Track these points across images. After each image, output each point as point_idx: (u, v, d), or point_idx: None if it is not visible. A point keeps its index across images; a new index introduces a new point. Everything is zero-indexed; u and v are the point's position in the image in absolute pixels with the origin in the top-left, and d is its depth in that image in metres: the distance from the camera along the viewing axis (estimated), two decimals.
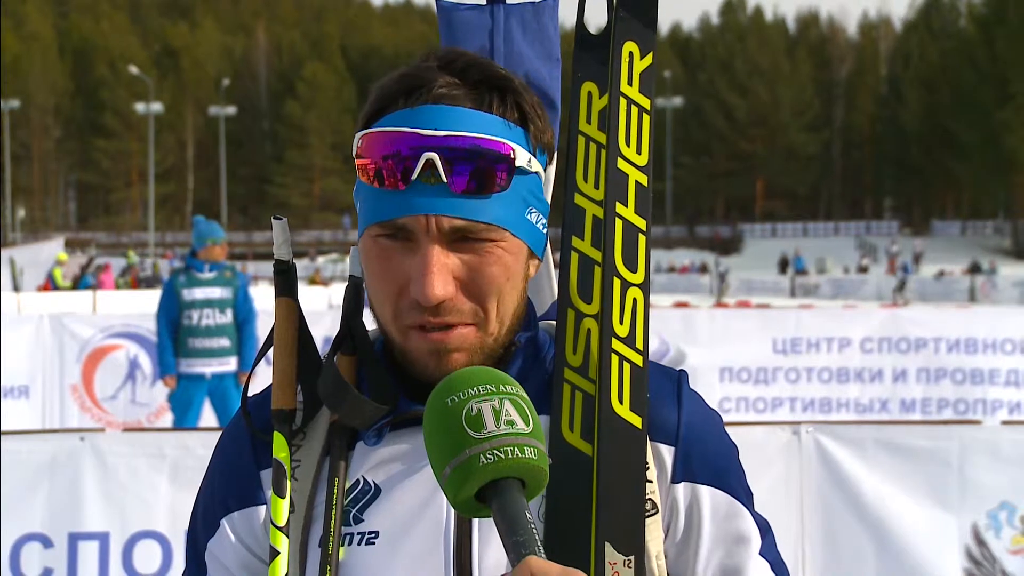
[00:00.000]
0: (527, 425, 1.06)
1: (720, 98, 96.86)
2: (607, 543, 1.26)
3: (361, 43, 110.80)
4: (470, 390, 1.07)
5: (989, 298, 39.65)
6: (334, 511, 1.28)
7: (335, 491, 1.29)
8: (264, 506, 1.35)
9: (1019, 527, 4.41)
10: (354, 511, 1.30)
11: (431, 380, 1.19)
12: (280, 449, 1.33)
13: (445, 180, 1.24)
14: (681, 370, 1.41)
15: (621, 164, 1.37)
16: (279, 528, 1.30)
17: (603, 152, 1.39)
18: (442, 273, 1.24)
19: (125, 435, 4.59)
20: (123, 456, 4.27)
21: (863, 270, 59.43)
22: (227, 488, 1.38)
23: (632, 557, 1.26)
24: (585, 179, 1.39)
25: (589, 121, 1.41)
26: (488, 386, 1.08)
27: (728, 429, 1.42)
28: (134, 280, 37.81)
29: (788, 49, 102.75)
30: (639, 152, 1.39)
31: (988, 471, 4.40)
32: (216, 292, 8.82)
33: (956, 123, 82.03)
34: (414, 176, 1.23)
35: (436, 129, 1.24)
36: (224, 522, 1.36)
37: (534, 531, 1.02)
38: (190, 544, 1.41)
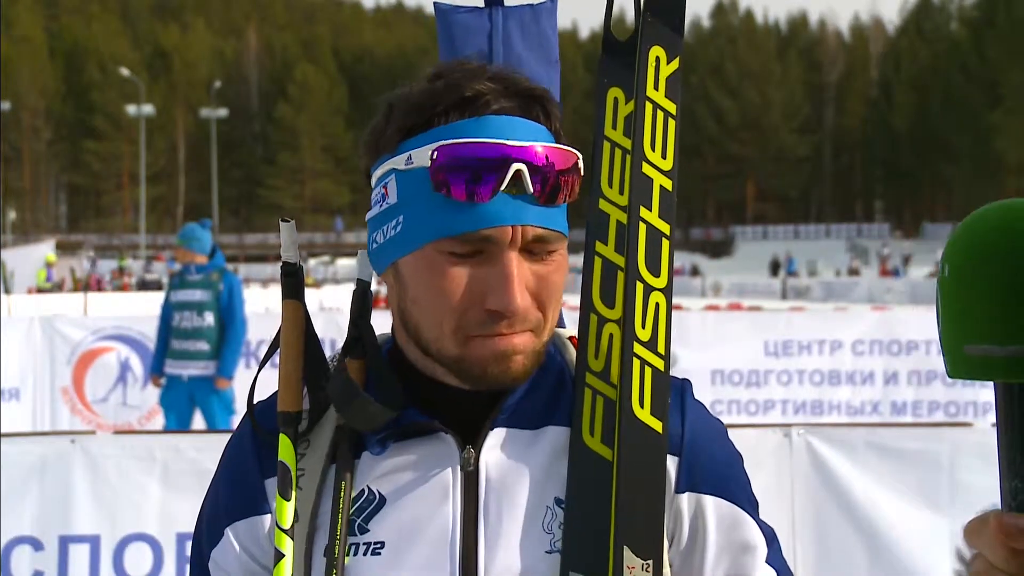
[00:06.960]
0: None
1: (711, 101, 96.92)
2: (625, 547, 1.25)
3: (352, 45, 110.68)
4: None
5: None
6: (340, 516, 1.27)
7: (341, 497, 1.28)
8: (268, 515, 1.34)
9: None
10: (359, 521, 1.29)
11: (489, 385, 1.26)
12: (286, 451, 1.32)
13: (531, 191, 1.23)
14: (685, 379, 1.40)
15: (646, 168, 1.36)
16: (284, 531, 1.29)
17: (628, 157, 1.38)
18: (522, 283, 1.24)
19: (116, 437, 4.58)
20: (113, 458, 4.26)
21: (854, 272, 59.52)
22: (231, 497, 1.37)
23: (650, 561, 1.26)
24: (610, 185, 1.38)
25: (615, 127, 1.40)
26: None
27: None
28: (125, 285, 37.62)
29: (779, 52, 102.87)
30: (664, 156, 1.38)
31: (979, 473, 4.40)
32: (196, 295, 8.72)
33: (946, 126, 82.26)
34: (503, 187, 1.22)
35: (514, 140, 1.23)
36: (228, 531, 1.35)
37: None
38: (195, 553, 1.40)
